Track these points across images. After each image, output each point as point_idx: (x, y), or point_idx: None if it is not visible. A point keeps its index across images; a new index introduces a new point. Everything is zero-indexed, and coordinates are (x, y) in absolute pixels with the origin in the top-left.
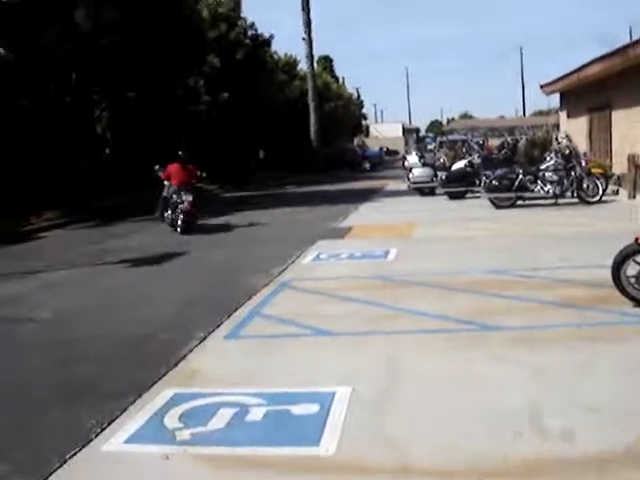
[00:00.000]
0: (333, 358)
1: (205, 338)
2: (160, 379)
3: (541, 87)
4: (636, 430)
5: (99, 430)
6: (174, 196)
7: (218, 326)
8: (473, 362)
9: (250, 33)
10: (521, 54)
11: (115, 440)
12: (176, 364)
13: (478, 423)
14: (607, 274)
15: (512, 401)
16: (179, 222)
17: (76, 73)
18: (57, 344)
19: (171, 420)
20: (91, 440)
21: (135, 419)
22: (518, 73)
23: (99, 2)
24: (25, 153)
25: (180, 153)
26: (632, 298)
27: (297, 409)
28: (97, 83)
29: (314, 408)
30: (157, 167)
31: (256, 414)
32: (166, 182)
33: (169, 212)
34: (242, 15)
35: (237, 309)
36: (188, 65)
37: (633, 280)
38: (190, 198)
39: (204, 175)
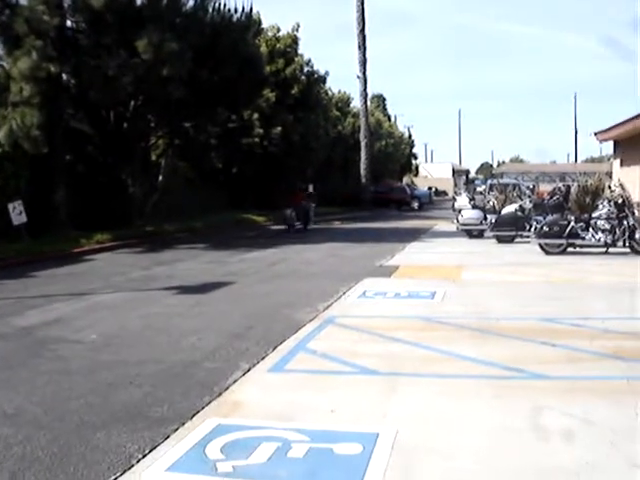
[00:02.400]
0: (377, 398)
1: (249, 370)
2: (203, 408)
3: (595, 134)
4: None
5: (140, 456)
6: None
7: (263, 358)
8: (520, 412)
9: (306, 69)
10: (575, 100)
11: (156, 467)
12: (220, 394)
13: (520, 478)
14: None
15: (557, 457)
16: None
17: (135, 101)
18: (102, 367)
19: (213, 451)
20: (132, 466)
21: (177, 447)
22: (571, 119)
23: (161, 33)
24: (80, 177)
25: (300, 187)
26: None
27: (340, 448)
28: (154, 111)
29: (357, 448)
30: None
31: (298, 451)
32: None
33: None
34: (299, 52)
35: (282, 342)
36: (244, 98)
37: None
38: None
39: (309, 194)
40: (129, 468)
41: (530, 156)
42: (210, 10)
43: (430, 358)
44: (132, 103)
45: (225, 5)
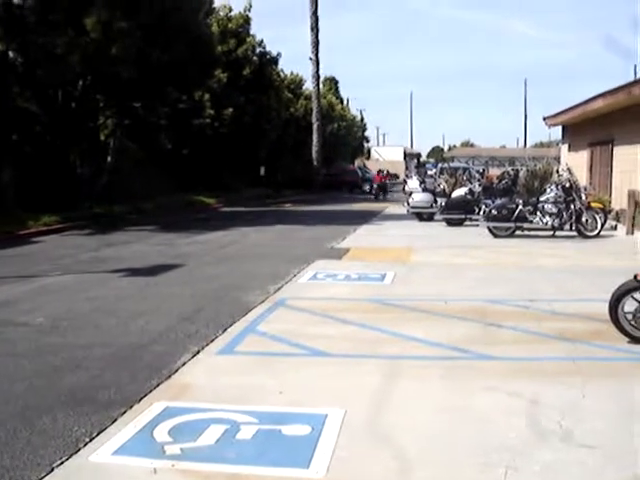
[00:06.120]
0: (326, 379)
1: (198, 352)
2: (151, 391)
3: (544, 119)
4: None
5: (88, 440)
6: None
7: (212, 341)
8: (467, 392)
9: (258, 50)
10: (525, 85)
11: (103, 451)
12: (168, 377)
13: (466, 456)
14: (602, 308)
15: (504, 437)
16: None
17: (83, 80)
18: (49, 350)
19: (161, 434)
20: (79, 449)
21: (124, 431)
22: (521, 104)
23: (111, 11)
24: (27, 157)
25: (380, 169)
26: (628, 334)
27: (288, 429)
28: (103, 91)
29: (306, 429)
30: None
31: (247, 432)
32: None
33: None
34: (251, 32)
35: (231, 325)
36: (195, 79)
37: (630, 316)
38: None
39: (389, 175)
40: (76, 452)
41: (481, 140)
42: None
43: (380, 340)
44: (81, 82)
45: None
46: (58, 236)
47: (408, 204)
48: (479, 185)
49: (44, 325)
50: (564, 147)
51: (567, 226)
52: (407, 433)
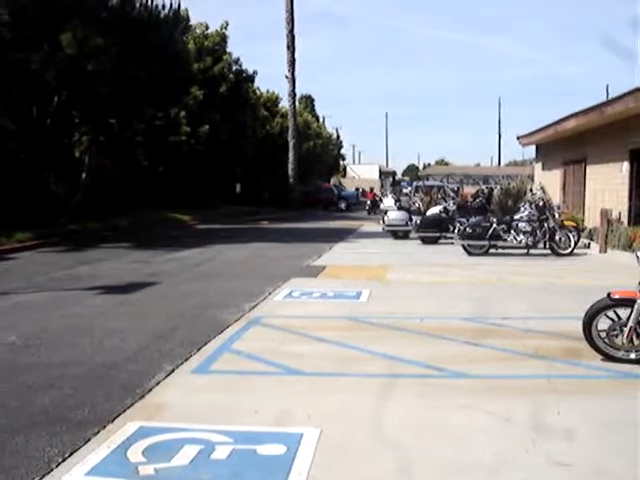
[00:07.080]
0: (302, 398)
1: (173, 371)
2: (125, 411)
3: (517, 138)
4: None
5: (60, 460)
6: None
7: (186, 359)
8: (442, 410)
9: (234, 68)
10: (499, 105)
11: (76, 471)
12: (142, 396)
13: (441, 474)
14: (576, 326)
15: (479, 455)
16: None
17: (59, 96)
18: (22, 369)
19: (134, 454)
20: (52, 470)
21: (98, 451)
22: (495, 122)
23: (86, 28)
24: (0, 173)
25: (370, 188)
26: (601, 352)
27: (263, 449)
28: (79, 107)
29: (281, 449)
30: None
31: (221, 452)
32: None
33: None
34: (228, 50)
35: (206, 343)
36: (172, 96)
37: (603, 334)
38: (369, 202)
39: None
40: (48, 472)
41: (455, 159)
42: (137, 5)
43: (355, 358)
44: (56, 98)
45: (152, 1)
46: (32, 253)
47: (383, 222)
48: (454, 203)
49: (17, 344)
50: (538, 166)
51: (541, 244)
52: (383, 452)
